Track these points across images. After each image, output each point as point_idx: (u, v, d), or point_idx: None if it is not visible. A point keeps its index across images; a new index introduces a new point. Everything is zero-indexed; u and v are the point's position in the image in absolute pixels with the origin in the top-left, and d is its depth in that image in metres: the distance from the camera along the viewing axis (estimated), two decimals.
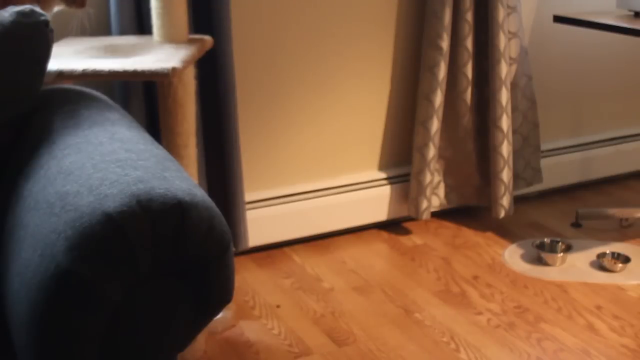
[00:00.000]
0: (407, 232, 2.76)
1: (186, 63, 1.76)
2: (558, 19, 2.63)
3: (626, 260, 2.48)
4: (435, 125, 2.62)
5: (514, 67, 2.69)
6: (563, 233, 2.74)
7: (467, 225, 2.80)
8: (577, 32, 2.87)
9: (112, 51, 1.87)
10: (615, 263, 2.47)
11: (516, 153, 2.77)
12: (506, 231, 2.75)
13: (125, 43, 1.94)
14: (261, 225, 2.52)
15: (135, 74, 1.67)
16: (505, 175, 2.66)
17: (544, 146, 2.94)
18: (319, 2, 2.50)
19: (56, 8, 1.61)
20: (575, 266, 2.50)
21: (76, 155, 1.24)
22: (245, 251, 2.49)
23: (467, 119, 2.68)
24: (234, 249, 2.46)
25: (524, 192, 2.94)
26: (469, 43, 2.60)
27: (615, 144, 3.15)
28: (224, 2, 2.20)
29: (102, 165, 1.18)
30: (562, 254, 2.52)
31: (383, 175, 2.74)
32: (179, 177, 1.17)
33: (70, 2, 1.59)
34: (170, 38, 1.89)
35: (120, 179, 1.13)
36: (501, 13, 2.55)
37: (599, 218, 2.80)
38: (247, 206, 2.45)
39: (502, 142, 2.64)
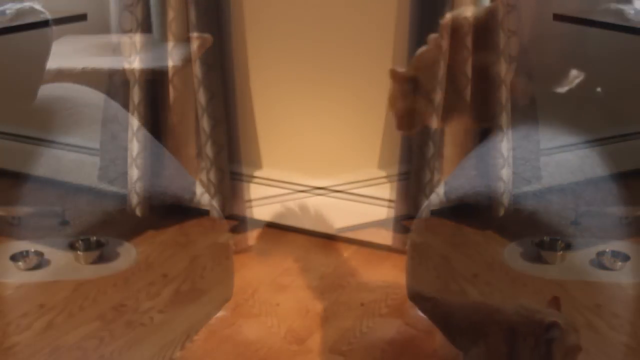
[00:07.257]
0: (406, 230, 2.75)
1: (186, 61, 1.76)
2: (558, 17, 2.63)
3: (626, 258, 2.47)
4: (435, 123, 2.61)
5: (513, 65, 2.69)
6: (563, 231, 2.74)
7: (466, 224, 2.80)
8: (577, 30, 2.87)
9: (112, 49, 1.87)
10: (615, 261, 2.47)
11: (515, 151, 2.77)
12: (506, 229, 2.75)
13: (125, 41, 1.94)
14: (260, 223, 2.52)
15: (134, 72, 1.67)
16: (505, 173, 2.66)
17: (544, 144, 2.94)
18: (319, 1, 2.50)
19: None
20: (574, 264, 2.50)
21: None
22: (245, 249, 2.49)
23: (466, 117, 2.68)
24: (234, 247, 2.47)
25: (523, 190, 2.93)
26: (468, 41, 2.59)
27: (615, 142, 3.14)
28: (224, 0, 2.19)
29: None
30: (561, 252, 2.52)
31: (383, 173, 2.74)
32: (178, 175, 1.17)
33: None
34: (170, 36, 1.89)
35: None
36: (501, 11, 2.54)
37: (599, 216, 2.80)
38: (246, 204, 2.45)
39: (501, 140, 2.63)
